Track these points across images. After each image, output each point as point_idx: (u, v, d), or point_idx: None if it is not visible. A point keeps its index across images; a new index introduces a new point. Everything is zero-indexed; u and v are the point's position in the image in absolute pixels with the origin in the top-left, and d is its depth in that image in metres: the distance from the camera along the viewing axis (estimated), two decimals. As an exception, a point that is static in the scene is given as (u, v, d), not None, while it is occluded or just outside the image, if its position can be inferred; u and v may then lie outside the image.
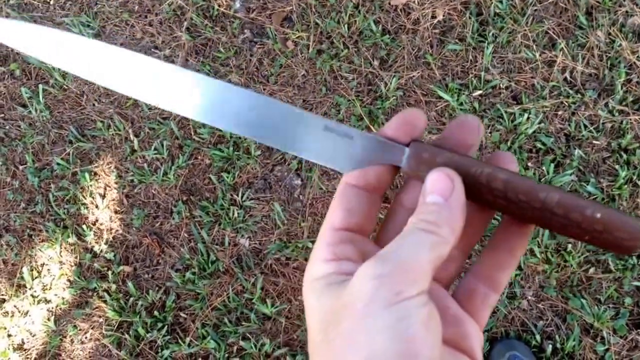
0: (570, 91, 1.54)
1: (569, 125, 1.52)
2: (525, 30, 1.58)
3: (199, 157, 1.67)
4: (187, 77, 0.40)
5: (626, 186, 1.47)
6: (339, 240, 0.35)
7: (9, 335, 1.68)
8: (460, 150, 0.37)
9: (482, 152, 1.54)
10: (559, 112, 1.53)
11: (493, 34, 1.60)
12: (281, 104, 0.39)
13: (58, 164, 1.73)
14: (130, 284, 1.62)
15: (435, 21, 1.63)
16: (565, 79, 1.55)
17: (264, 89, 1.67)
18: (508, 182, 0.34)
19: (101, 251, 1.67)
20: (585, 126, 1.52)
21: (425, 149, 0.36)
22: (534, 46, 1.58)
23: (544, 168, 1.50)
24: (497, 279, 0.37)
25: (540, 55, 1.57)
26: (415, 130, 0.37)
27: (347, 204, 0.36)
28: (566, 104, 1.54)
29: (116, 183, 1.70)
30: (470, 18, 1.61)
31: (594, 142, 1.51)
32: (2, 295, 1.71)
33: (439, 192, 0.33)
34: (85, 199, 1.71)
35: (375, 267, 0.30)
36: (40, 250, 1.70)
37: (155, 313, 1.59)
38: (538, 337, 1.43)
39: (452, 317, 0.36)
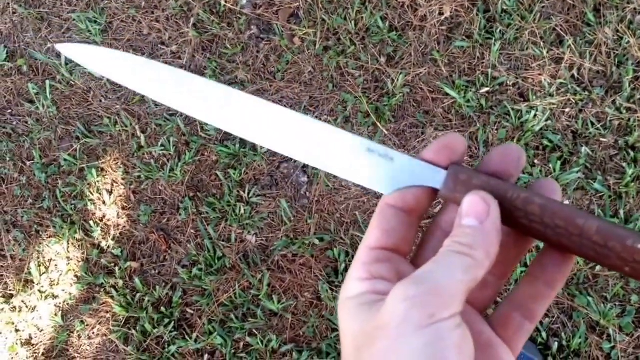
0: (578, 88, 1.54)
1: (576, 122, 1.52)
2: (532, 27, 1.58)
3: (206, 154, 1.67)
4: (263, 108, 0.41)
5: (633, 184, 1.46)
6: (375, 260, 0.35)
7: (17, 330, 1.69)
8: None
9: (488, 149, 1.54)
10: (566, 110, 1.53)
11: (500, 31, 1.59)
12: (324, 125, 0.39)
13: (65, 160, 1.74)
14: (137, 280, 1.62)
15: (442, 18, 1.63)
16: (572, 76, 1.55)
17: (271, 86, 1.67)
18: (545, 207, 0.34)
19: (108, 247, 1.68)
20: (593, 124, 1.52)
21: (463, 172, 0.36)
22: (542, 43, 1.57)
23: (550, 166, 1.50)
24: (532, 309, 0.37)
25: (547, 52, 1.57)
26: (455, 154, 0.37)
27: (385, 224, 0.36)
28: (573, 101, 1.53)
29: (123, 179, 1.70)
30: (477, 15, 1.61)
31: (601, 139, 1.51)
32: (10, 290, 1.72)
33: (475, 215, 0.33)
34: (93, 195, 1.71)
35: (409, 288, 0.30)
36: (47, 245, 1.71)
37: (162, 309, 1.60)
38: (544, 335, 1.43)
39: (485, 342, 0.36)
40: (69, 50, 0.45)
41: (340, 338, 0.34)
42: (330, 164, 0.39)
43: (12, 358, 1.67)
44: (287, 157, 1.63)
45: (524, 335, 0.37)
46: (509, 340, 0.37)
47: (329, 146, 0.39)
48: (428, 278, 0.31)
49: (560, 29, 1.58)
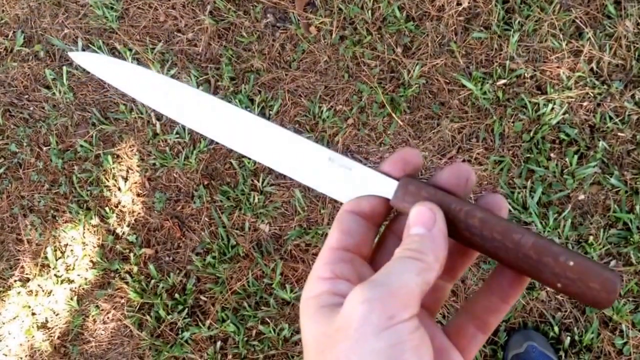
0: (596, 82, 1.52)
1: (594, 116, 1.51)
2: (552, 18, 1.56)
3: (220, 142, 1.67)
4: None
5: (650, 179, 1.45)
6: (337, 259, 0.36)
7: (33, 314, 1.72)
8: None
9: (505, 142, 1.53)
10: (584, 103, 1.52)
11: (519, 22, 1.57)
12: (290, 134, 0.41)
13: (81, 146, 1.75)
14: (151, 266, 1.64)
15: (460, 8, 1.61)
16: (591, 70, 1.53)
17: (286, 75, 1.67)
18: (485, 221, 0.35)
19: (123, 233, 1.69)
20: (611, 118, 1.50)
21: (413, 184, 0.37)
22: (561, 35, 1.56)
23: (567, 159, 1.49)
24: (486, 322, 0.38)
25: (566, 44, 1.55)
26: (409, 166, 0.38)
27: (344, 227, 0.37)
28: (592, 94, 1.52)
29: (138, 166, 1.71)
30: (496, 5, 1.59)
31: (619, 134, 1.49)
32: (27, 274, 1.74)
33: (422, 224, 0.34)
34: (108, 181, 1.73)
35: (367, 291, 0.31)
36: (63, 231, 1.73)
37: (176, 295, 1.62)
38: (556, 329, 1.43)
39: (438, 346, 0.37)
40: (83, 59, 0.47)
41: (302, 340, 0.35)
42: (295, 171, 0.41)
43: (29, 341, 1.70)
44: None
45: (477, 345, 0.38)
46: (462, 349, 0.38)
47: (294, 154, 0.41)
48: (385, 280, 0.32)
49: (580, 21, 1.56)
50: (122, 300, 1.66)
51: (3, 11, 1.90)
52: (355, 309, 0.30)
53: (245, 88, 1.67)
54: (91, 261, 1.70)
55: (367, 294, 0.31)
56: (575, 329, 1.43)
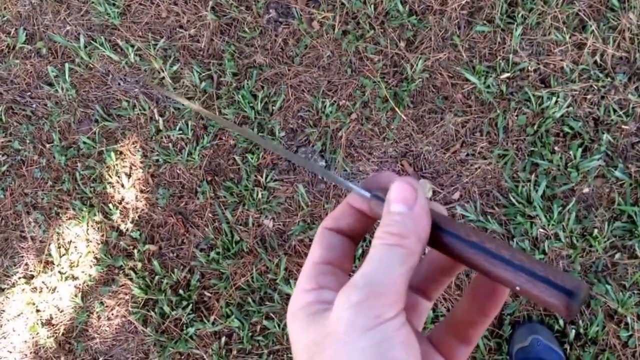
0: (600, 75, 1.51)
1: (598, 109, 1.50)
2: (555, 11, 1.56)
3: (224, 138, 1.67)
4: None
5: (655, 172, 1.45)
6: (319, 272, 0.36)
7: (38, 311, 1.72)
8: None
9: (508, 136, 1.53)
10: (588, 96, 1.51)
11: (522, 16, 1.57)
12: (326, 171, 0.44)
13: (84, 142, 1.75)
14: (155, 262, 1.64)
15: (463, 2, 1.61)
16: (595, 62, 1.53)
17: (289, 70, 1.67)
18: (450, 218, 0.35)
19: (127, 230, 1.69)
20: (615, 110, 1.50)
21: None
22: (564, 28, 1.55)
23: (571, 152, 1.49)
24: (468, 335, 0.38)
25: (570, 37, 1.54)
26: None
27: (325, 242, 0.38)
28: (595, 87, 1.51)
29: (141, 162, 1.71)
30: (499, -1, 1.59)
31: (623, 126, 1.49)
32: (31, 271, 1.74)
33: (403, 201, 0.34)
34: (111, 178, 1.73)
35: (351, 294, 0.31)
36: (67, 227, 1.73)
37: (180, 291, 1.61)
38: (561, 322, 1.43)
39: (423, 352, 0.36)
40: None
41: (292, 350, 0.35)
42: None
43: (33, 338, 1.70)
44: (304, 141, 1.63)
45: (462, 355, 0.38)
46: (448, 358, 0.38)
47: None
48: (369, 280, 0.32)
49: (584, 14, 1.55)
50: (127, 297, 1.66)
51: (5, 8, 1.90)
52: (343, 315, 0.31)
53: (248, 84, 1.67)
54: (95, 258, 1.70)
55: (354, 298, 0.31)
56: (580, 321, 1.43)
